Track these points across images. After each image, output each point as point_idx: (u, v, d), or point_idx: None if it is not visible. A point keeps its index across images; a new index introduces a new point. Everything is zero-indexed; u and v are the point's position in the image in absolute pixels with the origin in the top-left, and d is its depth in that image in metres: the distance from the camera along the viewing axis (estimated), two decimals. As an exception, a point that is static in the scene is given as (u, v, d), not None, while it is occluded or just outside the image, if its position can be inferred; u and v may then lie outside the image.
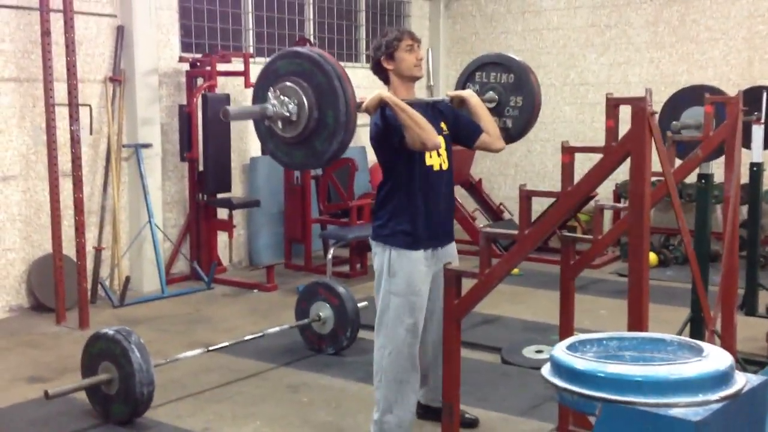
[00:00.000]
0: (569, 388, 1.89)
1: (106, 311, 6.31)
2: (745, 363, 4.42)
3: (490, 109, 3.89)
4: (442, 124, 3.74)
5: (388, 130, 3.51)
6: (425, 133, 3.40)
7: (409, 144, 3.45)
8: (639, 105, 2.66)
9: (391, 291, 3.63)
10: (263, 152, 7.64)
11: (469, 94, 3.82)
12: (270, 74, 3.21)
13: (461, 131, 3.82)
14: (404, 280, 3.61)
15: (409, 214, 3.63)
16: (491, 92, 3.98)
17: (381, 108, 3.48)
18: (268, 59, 3.30)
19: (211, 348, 4.77)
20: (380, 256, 3.68)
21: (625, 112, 2.81)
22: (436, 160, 3.69)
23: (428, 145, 3.45)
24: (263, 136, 3.28)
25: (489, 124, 3.76)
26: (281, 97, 3.09)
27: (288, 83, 3.09)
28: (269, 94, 3.11)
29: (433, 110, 3.75)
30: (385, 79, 3.72)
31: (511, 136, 3.98)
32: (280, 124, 3.12)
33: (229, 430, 4.05)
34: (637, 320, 2.68)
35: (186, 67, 7.28)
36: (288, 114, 3.08)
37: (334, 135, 3.04)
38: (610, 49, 9.16)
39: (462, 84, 4.11)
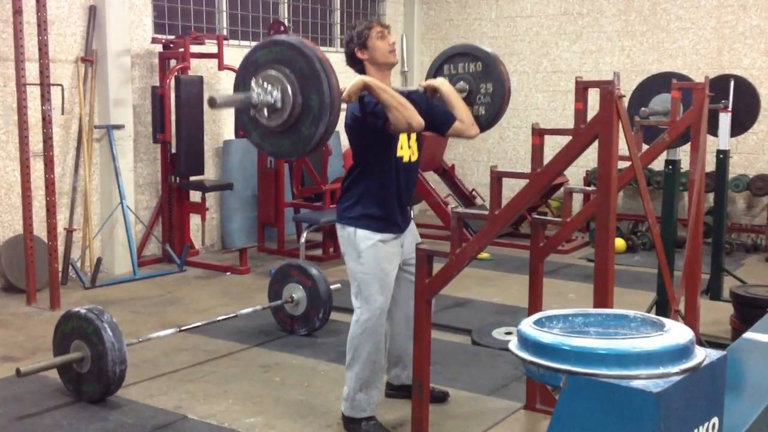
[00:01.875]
0: (535, 361, 1.94)
1: (78, 292, 6.30)
2: (710, 345, 4.51)
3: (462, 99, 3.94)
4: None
5: (368, 117, 3.54)
6: (409, 112, 3.43)
7: (394, 125, 3.47)
8: (607, 88, 2.72)
9: (361, 271, 3.70)
10: (237, 135, 7.63)
11: (441, 82, 3.85)
12: (250, 65, 3.21)
13: (435, 120, 3.85)
14: (372, 260, 3.68)
15: (378, 201, 3.70)
16: (461, 82, 4.03)
17: (359, 97, 3.51)
18: (247, 51, 3.29)
19: (183, 328, 4.79)
20: (347, 238, 3.75)
21: (595, 100, 2.87)
22: (406, 152, 3.76)
23: (413, 125, 3.47)
24: (247, 127, 3.27)
25: (462, 111, 3.80)
26: (264, 85, 3.10)
27: (270, 71, 3.10)
28: (252, 83, 3.12)
29: (407, 100, 3.78)
30: (361, 70, 3.75)
31: (485, 123, 4.03)
32: (265, 112, 3.12)
33: (201, 408, 4.08)
34: (602, 297, 2.75)
35: (159, 48, 7.24)
36: (273, 101, 3.08)
37: (320, 118, 3.05)
38: (582, 38, 9.25)
39: (431, 77, 4.15)
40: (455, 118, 3.79)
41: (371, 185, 3.69)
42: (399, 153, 3.72)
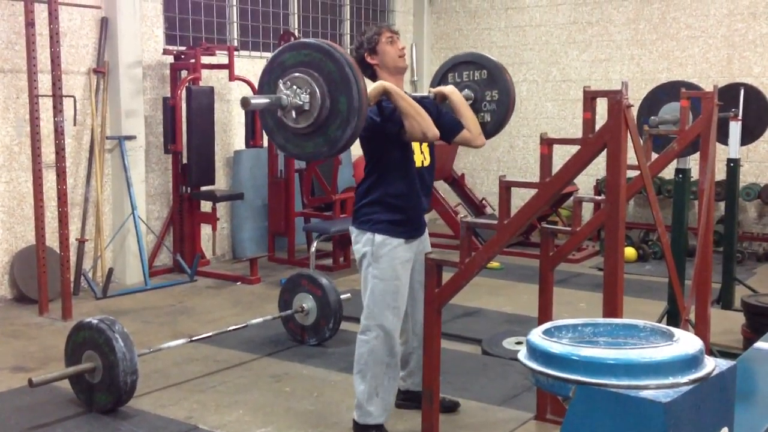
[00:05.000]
0: (545, 371, 1.94)
1: (89, 303, 6.33)
2: (720, 355, 4.50)
3: None
4: None
5: (386, 122, 3.58)
6: (426, 122, 3.49)
7: (409, 133, 3.52)
8: (615, 97, 2.72)
9: (376, 276, 3.68)
10: (247, 145, 7.66)
11: (451, 90, 3.87)
12: (276, 67, 3.20)
13: (443, 127, 3.84)
14: (388, 264, 3.67)
15: (399, 207, 3.71)
16: (466, 90, 4.04)
17: (377, 102, 3.54)
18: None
19: (194, 338, 4.80)
20: (363, 242, 3.73)
21: (604, 109, 2.88)
22: (419, 157, 3.78)
23: (428, 135, 3.53)
24: (271, 129, 3.27)
25: (470, 120, 3.82)
26: (293, 87, 3.10)
27: (297, 74, 3.10)
28: (280, 85, 3.12)
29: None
30: (371, 76, 3.76)
31: (491, 129, 4.04)
32: (293, 114, 3.12)
33: (212, 418, 4.09)
34: (612, 306, 2.75)
35: (170, 59, 7.29)
36: (301, 103, 3.09)
37: (348, 121, 3.06)
38: (592, 46, 9.25)
39: (436, 84, 4.16)
40: (462, 127, 3.80)
41: (390, 191, 3.70)
42: (413, 158, 3.75)
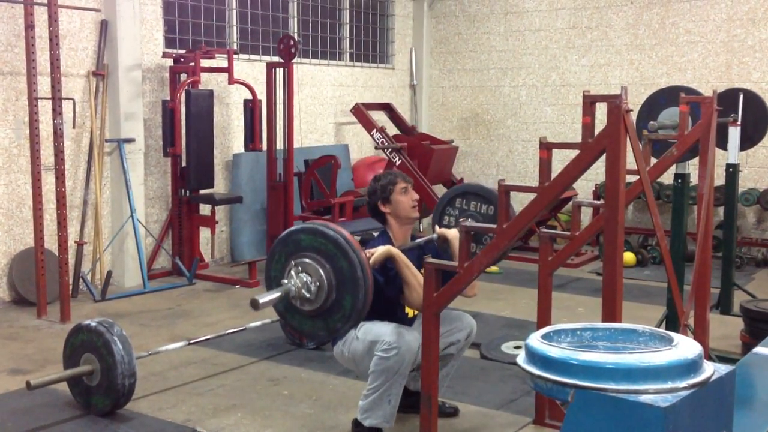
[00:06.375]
0: (543, 376, 1.94)
1: (88, 305, 6.32)
2: (719, 360, 4.50)
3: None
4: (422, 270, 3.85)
5: (387, 285, 3.64)
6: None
7: (408, 302, 3.60)
8: (614, 102, 2.72)
9: (363, 332, 3.67)
10: (246, 149, 7.66)
11: (454, 235, 3.86)
12: (291, 243, 3.25)
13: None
14: (369, 322, 3.67)
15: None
16: (470, 220, 4.09)
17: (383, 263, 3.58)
18: (291, 228, 3.32)
19: (192, 341, 4.80)
20: (344, 343, 3.75)
21: (603, 114, 2.88)
22: (411, 311, 3.86)
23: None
24: (279, 309, 3.33)
25: None
26: (301, 274, 3.16)
27: (308, 260, 3.15)
28: (291, 269, 3.17)
29: (419, 252, 3.85)
30: (383, 221, 3.86)
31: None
32: (299, 302, 3.20)
33: (210, 421, 4.08)
34: (610, 311, 2.74)
35: (169, 62, 7.29)
36: (308, 296, 3.16)
37: (349, 319, 3.14)
38: (591, 51, 9.25)
39: (443, 206, 4.21)
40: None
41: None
42: (406, 310, 3.85)
